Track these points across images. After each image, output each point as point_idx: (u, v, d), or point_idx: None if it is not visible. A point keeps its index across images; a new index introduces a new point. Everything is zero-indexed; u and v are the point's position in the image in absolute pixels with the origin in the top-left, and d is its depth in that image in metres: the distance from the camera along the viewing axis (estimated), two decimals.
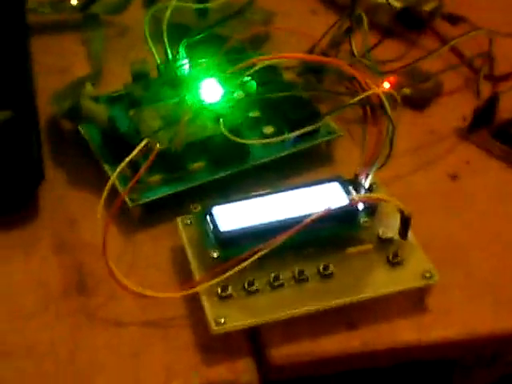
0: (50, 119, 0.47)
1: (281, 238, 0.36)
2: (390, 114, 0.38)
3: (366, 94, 0.37)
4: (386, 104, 0.38)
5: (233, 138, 0.41)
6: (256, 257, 0.36)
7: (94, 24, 0.54)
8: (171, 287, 0.39)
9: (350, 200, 0.38)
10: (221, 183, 0.43)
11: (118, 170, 0.39)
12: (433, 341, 0.37)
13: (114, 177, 0.39)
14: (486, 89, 0.49)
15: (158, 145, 0.39)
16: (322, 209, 0.37)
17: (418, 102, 0.49)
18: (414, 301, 0.38)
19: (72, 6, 0.54)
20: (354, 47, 0.48)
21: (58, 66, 0.52)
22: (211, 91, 0.42)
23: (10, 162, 0.42)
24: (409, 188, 0.44)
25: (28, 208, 0.43)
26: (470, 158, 0.46)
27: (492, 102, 0.47)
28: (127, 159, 0.39)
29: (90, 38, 0.53)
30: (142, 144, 0.39)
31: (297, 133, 0.41)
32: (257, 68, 0.41)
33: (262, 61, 0.42)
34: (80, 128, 0.45)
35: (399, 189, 0.42)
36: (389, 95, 0.39)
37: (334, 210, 0.37)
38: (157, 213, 0.42)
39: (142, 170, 0.39)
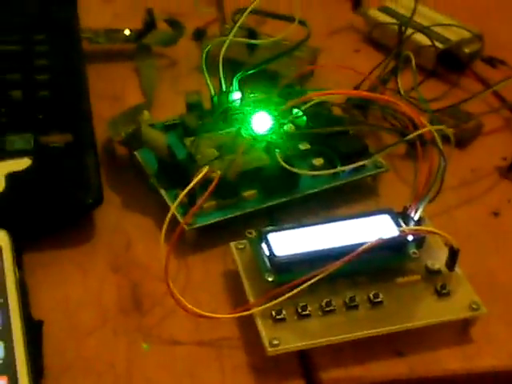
0: (104, 144, 0.49)
1: (334, 266, 0.38)
2: (442, 150, 0.39)
3: (422, 130, 0.39)
4: (439, 141, 0.40)
5: (288, 167, 0.43)
6: (310, 282, 0.37)
7: (146, 54, 0.57)
8: (221, 309, 0.40)
9: (401, 231, 0.40)
10: (270, 211, 0.45)
11: (179, 199, 0.41)
12: (477, 370, 0.38)
13: (174, 207, 0.41)
14: None
15: (218, 173, 0.41)
16: (374, 239, 0.38)
17: (460, 141, 0.51)
18: (459, 331, 0.39)
19: (126, 36, 0.57)
20: (400, 86, 0.50)
21: (110, 93, 0.54)
22: (263, 123, 0.44)
23: (70, 183, 0.44)
24: (452, 223, 0.45)
25: (85, 229, 0.44)
26: (511, 197, 0.48)
27: None
28: (188, 187, 0.41)
29: (142, 68, 0.56)
30: (203, 172, 0.41)
31: (350, 166, 0.43)
32: (311, 103, 0.43)
33: (318, 96, 0.44)
34: (136, 154, 0.47)
35: (443, 223, 0.43)
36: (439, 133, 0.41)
37: (386, 240, 0.38)
38: (209, 237, 0.44)
39: (203, 199, 0.40)
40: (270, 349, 0.37)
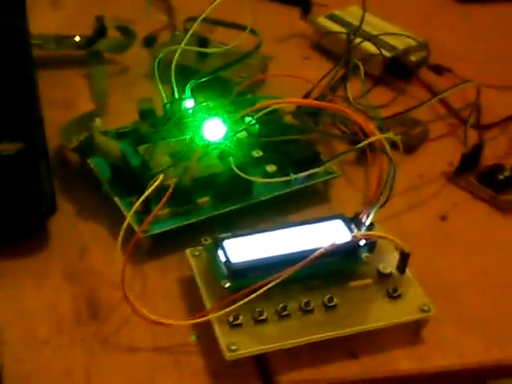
0: (56, 152, 0.49)
1: (289, 271, 0.38)
2: (391, 157, 0.41)
3: (372, 139, 0.40)
4: (388, 148, 0.41)
5: (242, 174, 0.43)
6: (266, 288, 0.38)
7: (98, 61, 0.57)
8: (178, 316, 0.41)
9: (353, 237, 0.41)
10: (225, 217, 0.45)
11: (134, 208, 0.41)
12: (428, 370, 0.40)
13: (129, 215, 0.41)
14: (471, 136, 0.52)
15: (173, 181, 0.41)
16: (327, 244, 0.39)
17: (407, 147, 0.52)
18: (411, 332, 0.41)
19: (76, 42, 0.57)
20: (349, 93, 0.51)
21: (62, 100, 0.54)
22: (216, 131, 0.45)
23: (22, 192, 0.44)
24: (401, 227, 0.47)
25: (39, 237, 0.44)
26: (458, 200, 0.49)
27: (478, 149, 0.50)
28: (144, 196, 0.41)
29: (93, 74, 0.56)
30: (159, 180, 0.41)
31: (303, 174, 0.44)
32: (263, 112, 0.44)
33: (269, 105, 0.44)
34: (89, 161, 0.47)
35: (392, 228, 0.44)
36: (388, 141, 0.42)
37: (339, 245, 0.39)
38: (163, 244, 0.44)
39: (159, 207, 0.41)
40: (227, 354, 0.37)
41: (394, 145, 0.51)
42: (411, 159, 0.52)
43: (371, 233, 0.41)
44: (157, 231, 0.43)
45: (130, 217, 0.41)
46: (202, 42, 0.56)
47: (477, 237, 0.47)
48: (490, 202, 0.49)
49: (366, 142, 0.40)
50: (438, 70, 0.58)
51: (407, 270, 0.41)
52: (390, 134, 0.42)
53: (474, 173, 0.50)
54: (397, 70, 0.58)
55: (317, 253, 0.39)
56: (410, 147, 0.52)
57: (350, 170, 0.50)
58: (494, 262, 0.46)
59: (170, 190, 0.41)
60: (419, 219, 0.48)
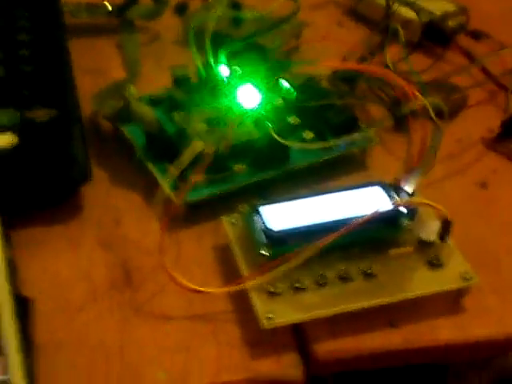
0: (89, 119, 0.48)
1: (329, 239, 0.37)
2: (437, 123, 0.39)
3: (418, 103, 0.39)
4: (433, 114, 0.40)
5: (280, 140, 0.42)
6: (305, 256, 0.37)
7: (129, 29, 0.56)
8: (214, 284, 0.40)
9: (394, 203, 0.40)
10: (261, 185, 0.45)
11: (171, 176, 0.40)
12: (469, 339, 0.39)
13: (165, 184, 0.40)
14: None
15: (211, 148, 0.40)
16: (367, 211, 0.38)
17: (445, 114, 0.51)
18: (451, 301, 0.40)
19: (107, 10, 0.56)
20: (388, 59, 0.50)
21: (93, 68, 0.53)
22: (251, 97, 0.44)
23: (56, 159, 0.43)
24: (440, 195, 0.45)
25: (73, 205, 0.44)
26: (497, 167, 0.48)
27: None
28: (182, 162, 0.40)
29: (125, 42, 0.55)
30: (198, 147, 0.40)
31: (343, 139, 0.43)
32: (302, 77, 0.43)
33: (308, 69, 0.43)
34: (123, 129, 0.46)
35: (431, 195, 0.43)
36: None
37: (381, 212, 0.38)
38: (199, 212, 0.43)
39: (198, 175, 0.40)
40: (265, 322, 0.37)
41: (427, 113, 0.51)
42: (450, 126, 0.50)
43: (413, 199, 0.40)
44: (193, 199, 0.42)
45: (166, 183, 0.40)
46: (235, 6, 0.55)
47: None
48: None
49: (412, 105, 0.39)
50: (477, 35, 0.57)
51: (449, 239, 0.40)
52: (436, 99, 0.41)
53: None
54: (435, 36, 0.56)
55: (359, 220, 0.38)
56: (449, 113, 0.51)
57: (388, 137, 0.48)
58: None
59: (209, 156, 0.40)
60: (459, 187, 0.47)
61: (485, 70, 0.54)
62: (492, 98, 0.53)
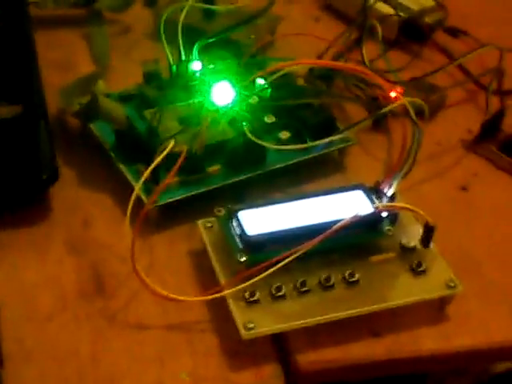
0: (56, 117, 0.46)
1: (309, 244, 0.36)
2: (417, 123, 0.38)
3: (398, 103, 0.38)
4: (413, 113, 0.39)
5: (256, 140, 0.41)
6: (285, 262, 0.36)
7: (97, 20, 0.54)
8: (189, 291, 0.39)
9: (375, 208, 0.38)
10: (236, 187, 0.43)
11: (143, 178, 0.38)
12: (454, 349, 0.38)
13: (137, 188, 0.39)
14: (492, 103, 0.50)
15: (184, 148, 0.39)
16: (347, 216, 0.37)
17: (423, 114, 0.49)
18: (435, 309, 0.38)
19: (74, 0, 0.53)
20: (365, 56, 0.49)
21: (61, 61, 0.51)
22: (225, 95, 0.42)
23: (22, 158, 0.41)
24: (420, 198, 0.44)
25: (39, 207, 0.42)
26: (478, 170, 0.47)
27: (499, 116, 0.48)
28: (153, 164, 0.39)
29: (93, 34, 0.53)
30: (169, 147, 0.39)
31: (323, 141, 0.42)
32: (278, 74, 0.41)
33: (282, 67, 0.42)
34: (91, 126, 0.44)
35: (411, 198, 0.42)
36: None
37: (362, 217, 0.37)
38: (172, 215, 0.42)
39: (171, 176, 0.38)
40: (244, 332, 0.35)
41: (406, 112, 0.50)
42: (428, 127, 0.49)
43: (395, 204, 0.39)
44: (166, 201, 0.41)
45: (138, 187, 0.38)
46: (208, 0, 0.53)
47: (499, 207, 0.45)
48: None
49: (392, 106, 0.38)
50: (455, 32, 0.56)
51: (431, 244, 0.39)
52: (415, 99, 0.40)
53: (495, 141, 0.48)
54: (412, 33, 0.55)
55: (339, 225, 0.36)
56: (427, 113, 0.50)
57: (365, 137, 0.47)
58: None
59: (182, 156, 0.38)
60: (439, 190, 0.45)
61: (463, 69, 0.53)
62: (471, 98, 0.52)
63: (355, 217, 0.37)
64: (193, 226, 0.40)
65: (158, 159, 0.38)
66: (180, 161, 0.38)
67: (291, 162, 0.44)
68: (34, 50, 0.48)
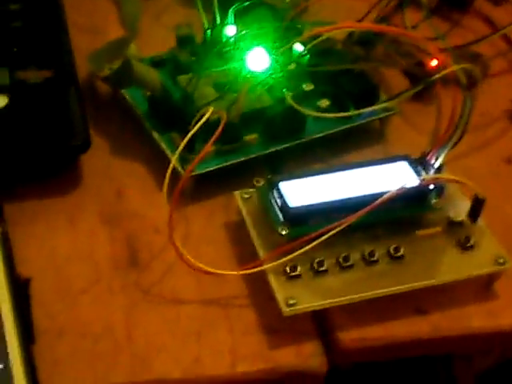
0: (86, 82, 0.45)
1: (353, 218, 0.34)
2: (468, 91, 0.36)
3: (448, 70, 0.36)
4: (464, 81, 0.37)
5: (297, 107, 0.39)
6: (328, 236, 0.34)
7: None
8: (226, 264, 0.37)
9: (422, 180, 0.37)
10: (274, 157, 0.41)
11: (181, 148, 0.37)
12: (502, 327, 0.36)
13: (174, 159, 0.37)
14: None
15: (223, 115, 0.37)
16: (392, 188, 0.35)
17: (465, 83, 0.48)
18: (482, 286, 0.37)
19: None
20: (407, 21, 0.47)
21: (89, 25, 0.49)
22: (262, 61, 0.40)
23: (52, 125, 0.40)
24: (464, 171, 0.42)
25: (71, 175, 0.40)
26: None
27: None
28: (190, 133, 0.37)
29: None
30: (208, 114, 0.37)
31: (368, 109, 0.40)
32: (320, 39, 0.40)
33: (322, 32, 0.40)
34: (124, 92, 0.43)
35: (455, 171, 0.41)
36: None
37: (408, 189, 0.35)
38: (207, 186, 0.40)
39: (209, 145, 0.36)
40: (286, 309, 0.34)
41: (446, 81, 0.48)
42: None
43: (442, 176, 0.37)
44: (202, 171, 0.39)
45: (175, 158, 0.37)
46: None
47: None
48: None
49: (444, 71, 0.36)
50: (497, 0, 0.53)
51: (480, 219, 0.37)
52: (468, 65, 0.38)
53: None
54: (453, 0, 0.53)
55: (385, 197, 0.35)
56: (469, 83, 0.48)
57: (407, 107, 0.45)
58: None
59: (222, 125, 0.37)
60: (483, 162, 0.44)
61: (507, 39, 0.51)
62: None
63: (401, 189, 0.35)
64: (230, 197, 0.39)
65: (197, 127, 0.37)
66: (220, 129, 0.36)
67: (331, 132, 0.42)
68: (63, 12, 0.47)
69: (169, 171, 0.36)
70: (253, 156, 0.40)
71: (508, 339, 0.37)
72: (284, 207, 0.36)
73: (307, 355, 0.34)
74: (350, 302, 0.34)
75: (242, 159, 0.40)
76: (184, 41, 0.44)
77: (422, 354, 0.36)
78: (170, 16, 0.51)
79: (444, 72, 0.36)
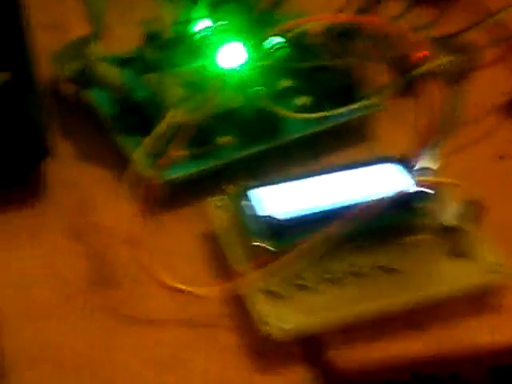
0: (48, 83, 0.42)
1: (342, 226, 0.32)
2: (454, 85, 0.34)
3: (435, 63, 0.34)
4: (449, 74, 0.35)
5: (271, 107, 0.37)
6: (310, 248, 0.32)
7: None
8: (204, 280, 0.34)
9: (417, 183, 0.34)
10: (250, 161, 0.39)
11: (142, 153, 0.35)
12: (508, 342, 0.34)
13: (135, 161, 0.35)
14: None
15: (194, 117, 0.34)
16: (379, 193, 0.33)
17: (452, 76, 0.45)
18: (482, 297, 0.34)
19: None
20: (389, 12, 0.44)
21: (53, 22, 0.47)
22: (235, 56, 0.38)
23: (11, 130, 0.37)
24: (455, 170, 0.40)
25: (32, 185, 0.38)
26: None
27: None
28: (152, 135, 0.35)
29: None
30: (177, 116, 0.35)
31: (348, 107, 0.37)
32: (297, 31, 0.37)
33: (299, 24, 0.38)
34: (87, 94, 0.40)
35: (446, 171, 0.37)
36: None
37: (401, 194, 0.33)
38: (182, 193, 0.37)
39: (178, 148, 0.34)
40: (277, 333, 0.31)
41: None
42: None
43: (436, 179, 0.35)
44: (173, 177, 0.37)
45: (141, 163, 0.34)
46: None
47: None
48: None
49: (430, 64, 0.34)
50: None
51: (476, 223, 0.35)
52: (453, 58, 0.36)
53: None
54: None
55: (379, 203, 0.32)
56: (458, 75, 0.46)
57: (394, 103, 0.42)
58: None
59: (193, 126, 0.34)
60: (474, 160, 0.41)
61: (498, 26, 0.48)
62: (505, 57, 0.47)
63: (400, 193, 0.32)
64: (205, 206, 0.36)
65: (159, 129, 0.34)
66: (188, 132, 0.34)
67: (310, 132, 0.40)
68: (24, 12, 0.44)
69: (133, 178, 0.33)
70: (229, 160, 0.38)
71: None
72: (261, 217, 0.33)
73: (297, 380, 0.32)
74: (342, 322, 0.32)
75: (215, 164, 0.38)
76: (151, 37, 0.42)
77: (421, 372, 0.34)
78: (138, 11, 0.48)
79: (428, 65, 0.34)
